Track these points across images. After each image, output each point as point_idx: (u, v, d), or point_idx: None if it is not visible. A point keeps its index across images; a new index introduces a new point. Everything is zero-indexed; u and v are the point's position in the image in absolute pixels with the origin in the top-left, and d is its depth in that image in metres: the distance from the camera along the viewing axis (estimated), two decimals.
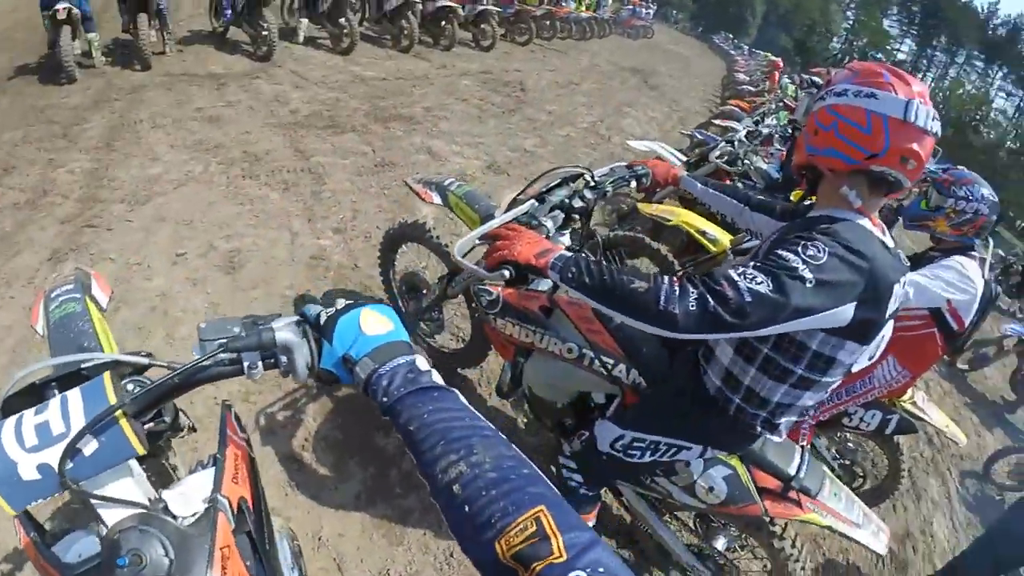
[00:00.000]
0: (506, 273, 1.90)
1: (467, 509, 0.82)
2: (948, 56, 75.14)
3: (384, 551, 2.67)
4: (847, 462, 3.87)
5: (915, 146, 1.65)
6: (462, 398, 1.01)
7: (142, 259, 3.98)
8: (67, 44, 6.75)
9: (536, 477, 0.88)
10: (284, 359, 1.08)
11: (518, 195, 2.62)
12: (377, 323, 1.12)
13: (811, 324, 1.61)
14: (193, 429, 1.23)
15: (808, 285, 1.53)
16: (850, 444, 3.96)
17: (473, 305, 3.09)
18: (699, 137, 7.32)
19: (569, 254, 1.77)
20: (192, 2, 11.43)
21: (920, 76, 74.66)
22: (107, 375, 1.00)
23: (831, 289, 1.57)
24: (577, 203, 2.50)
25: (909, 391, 3.50)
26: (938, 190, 3.15)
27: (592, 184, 2.65)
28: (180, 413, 1.21)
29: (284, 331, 1.08)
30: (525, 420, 3.25)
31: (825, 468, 2.39)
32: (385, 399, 1.00)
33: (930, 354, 3.21)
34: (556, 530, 0.73)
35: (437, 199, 3.08)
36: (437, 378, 1.05)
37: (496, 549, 0.75)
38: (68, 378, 1.13)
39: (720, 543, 2.58)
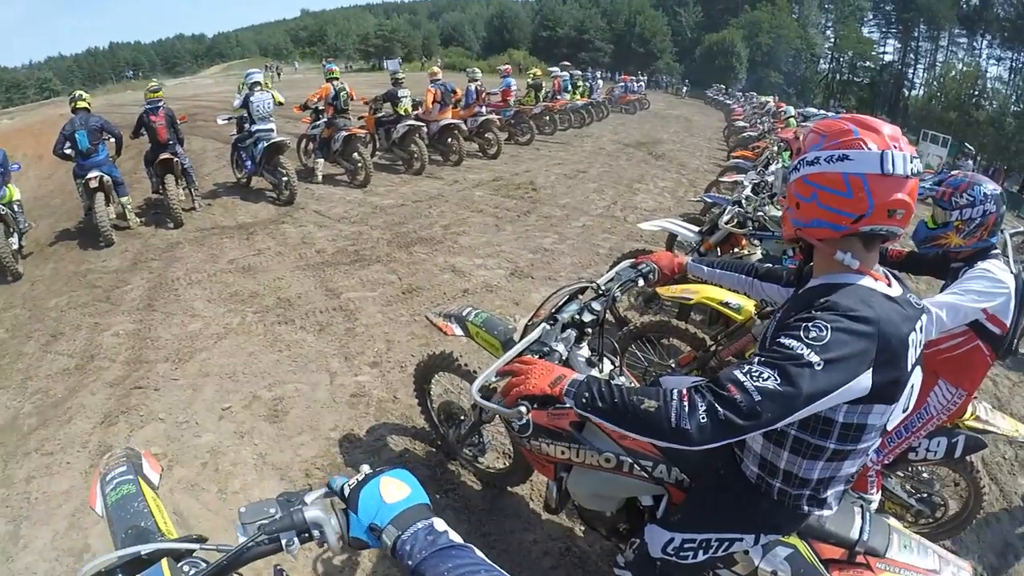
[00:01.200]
0: (523, 409, 1.93)
1: None
2: (932, 43, 74.67)
3: None
4: (924, 495, 3.68)
5: (900, 195, 1.59)
6: (478, 552, 1.12)
7: (190, 417, 4.13)
8: (101, 210, 7.28)
9: None
10: (317, 533, 1.20)
11: (530, 320, 2.64)
12: (396, 490, 1.24)
13: (830, 403, 1.57)
14: None
15: (817, 368, 1.50)
16: (924, 475, 3.76)
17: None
18: (709, 201, 7.31)
19: (582, 378, 1.79)
20: (215, 156, 12.14)
21: (911, 71, 75.40)
22: (165, 562, 1.14)
23: (842, 365, 1.52)
24: (587, 316, 2.52)
25: (969, 407, 3.36)
26: (940, 206, 3.06)
27: (600, 293, 2.67)
28: None
29: (313, 509, 1.21)
30: (583, 528, 3.28)
31: (891, 521, 2.26)
32: (410, 562, 1.11)
33: (980, 367, 3.10)
34: None
35: (458, 331, 3.12)
36: (454, 536, 1.16)
37: None
38: (131, 564, 1.25)
39: None
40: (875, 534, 2.10)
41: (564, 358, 2.35)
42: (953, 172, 3.37)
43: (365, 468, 1.32)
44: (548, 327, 2.44)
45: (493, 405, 2.05)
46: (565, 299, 2.60)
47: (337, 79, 10.46)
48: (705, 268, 2.73)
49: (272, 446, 3.89)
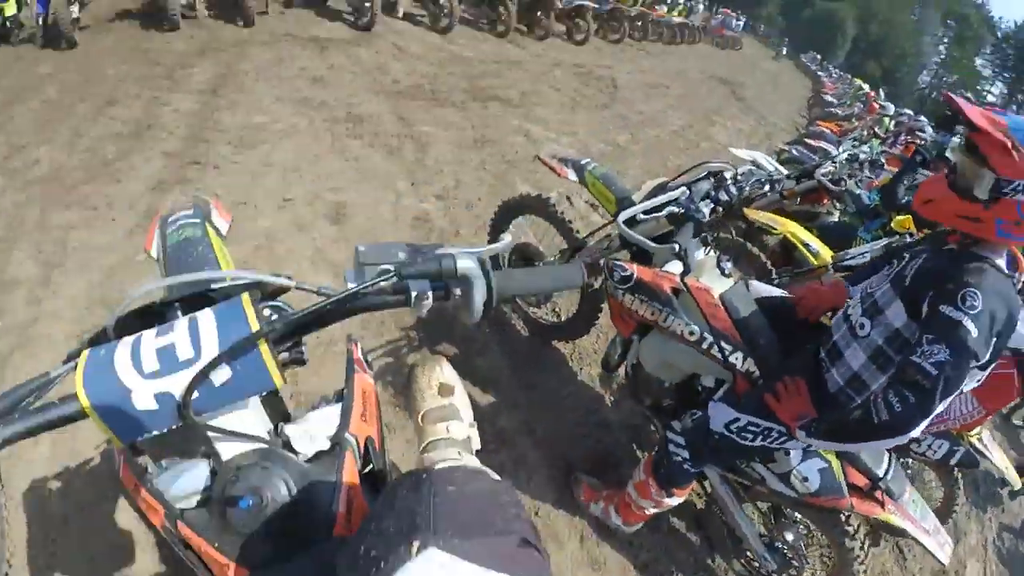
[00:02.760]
0: (676, 247, 2.25)
1: None
2: None
3: None
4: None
5: None
6: None
7: (248, 200, 3.92)
8: None
9: None
10: (458, 292, 0.96)
11: (668, 181, 2.76)
12: None
13: (984, 362, 1.79)
14: (303, 362, 1.07)
15: (975, 336, 1.71)
16: (910, 470, 3.94)
17: (587, 281, 3.06)
18: (795, 154, 7.42)
19: (811, 415, 2.02)
20: None
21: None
22: (246, 297, 0.87)
23: (992, 332, 1.74)
24: (723, 196, 2.66)
25: (978, 428, 3.48)
26: None
27: (734, 180, 2.78)
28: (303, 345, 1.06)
29: (466, 259, 0.95)
30: (612, 397, 3.48)
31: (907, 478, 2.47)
32: None
33: (1005, 395, 3.14)
34: None
35: (573, 176, 3.12)
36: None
37: None
38: (191, 301, 1.01)
39: (789, 535, 2.65)
40: (896, 480, 2.31)
41: (705, 219, 2.53)
42: None
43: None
44: (688, 191, 2.59)
45: (642, 239, 2.34)
46: (704, 174, 2.74)
47: None
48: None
49: (330, 244, 3.70)
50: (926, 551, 2.38)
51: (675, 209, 2.49)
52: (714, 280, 2.50)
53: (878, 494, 2.29)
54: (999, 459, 3.63)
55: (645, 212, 2.36)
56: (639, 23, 16.89)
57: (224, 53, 6.53)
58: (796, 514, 2.63)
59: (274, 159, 4.46)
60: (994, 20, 73.97)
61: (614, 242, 2.90)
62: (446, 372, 1.43)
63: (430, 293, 0.92)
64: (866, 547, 2.43)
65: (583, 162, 3.15)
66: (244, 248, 3.46)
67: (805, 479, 2.26)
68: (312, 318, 0.85)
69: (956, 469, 3.56)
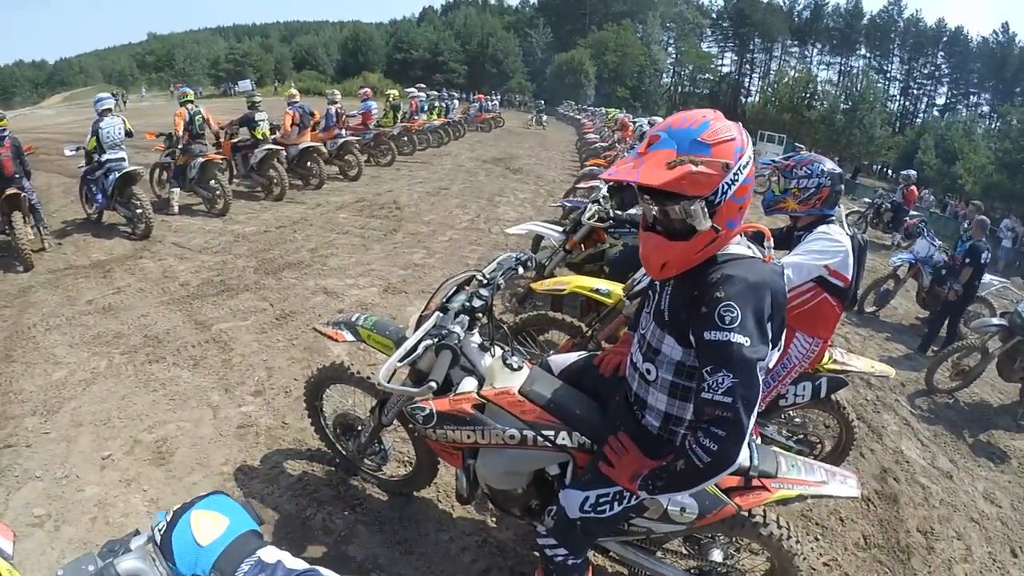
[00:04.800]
0: (433, 384, 2.21)
1: None
2: (766, 54, 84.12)
3: None
4: (801, 436, 4.21)
5: None
6: (324, 571, 1.05)
7: (69, 470, 3.94)
8: None
9: None
10: None
11: (423, 312, 2.88)
12: (211, 526, 1.12)
13: (771, 358, 1.92)
14: None
15: (748, 344, 1.78)
16: (797, 420, 4.30)
17: (410, 426, 3.25)
18: (568, 205, 8.01)
19: (645, 472, 2.10)
20: (62, 192, 11.49)
21: (747, 80, 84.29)
22: None
23: (761, 325, 1.83)
24: (477, 303, 2.74)
25: (827, 354, 3.85)
26: (783, 175, 3.64)
27: (485, 282, 2.91)
28: None
29: (131, 559, 1.08)
30: (494, 518, 3.51)
31: (775, 449, 2.59)
32: None
33: (830, 316, 3.56)
34: None
35: (349, 336, 3.22)
36: (293, 563, 1.08)
37: None
38: None
39: (716, 555, 2.73)
40: (764, 460, 2.41)
41: (460, 339, 2.51)
42: (802, 151, 4.01)
43: (170, 510, 1.19)
44: (441, 315, 2.66)
45: (400, 387, 2.32)
46: (453, 289, 2.84)
47: (192, 102, 10.18)
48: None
49: (163, 489, 3.80)
50: (834, 498, 2.57)
51: (429, 342, 2.53)
52: (508, 379, 2.60)
53: (756, 482, 2.37)
54: (861, 364, 4.01)
55: (401, 359, 2.41)
56: (404, 138, 17.70)
57: (8, 308, 6.43)
58: (706, 532, 2.65)
59: (83, 416, 4.50)
60: (703, 5, 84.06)
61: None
62: None
63: None
64: (784, 522, 2.51)
65: (353, 319, 3.28)
66: (81, 525, 3.48)
67: (683, 509, 2.32)
68: None
69: (831, 396, 3.82)
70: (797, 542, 2.53)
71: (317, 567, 1.07)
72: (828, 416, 4.20)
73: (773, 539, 2.47)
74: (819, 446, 4.21)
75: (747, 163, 1.91)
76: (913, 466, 4.87)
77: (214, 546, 1.09)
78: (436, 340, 2.49)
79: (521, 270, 3.19)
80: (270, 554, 1.08)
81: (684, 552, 2.88)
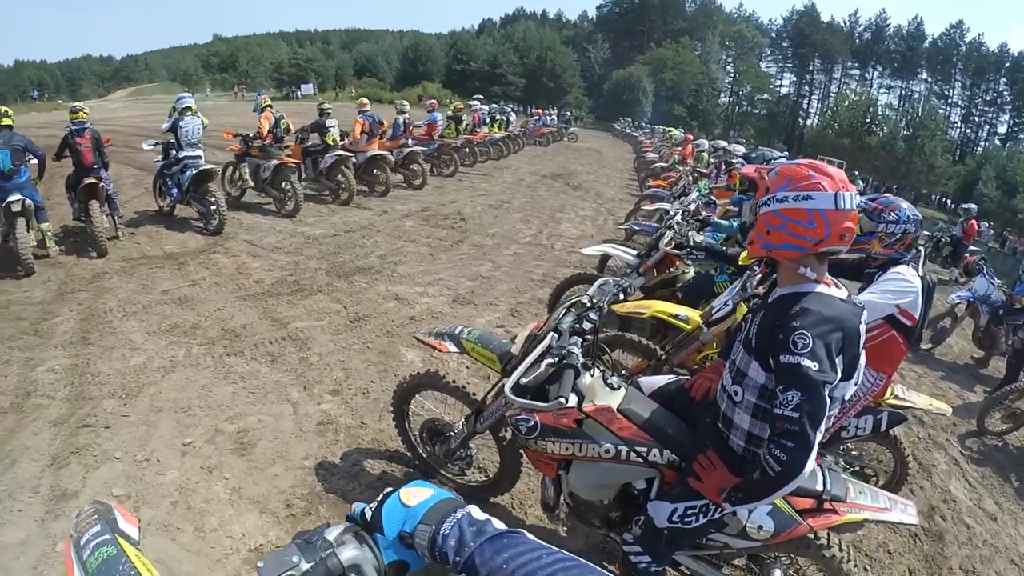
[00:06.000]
0: (563, 400, 2.32)
1: None
2: (826, 75, 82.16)
3: None
4: (856, 468, 4.25)
5: (848, 224, 2.09)
6: (531, 536, 1.01)
7: (149, 454, 3.91)
8: (23, 236, 6.82)
9: None
10: None
11: (535, 331, 2.96)
12: (418, 494, 1.13)
13: (838, 387, 2.07)
14: None
15: (816, 369, 1.97)
16: (854, 452, 4.34)
17: (501, 435, 3.31)
18: (636, 228, 7.94)
19: (731, 484, 2.27)
20: (132, 183, 11.69)
21: (805, 101, 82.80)
22: None
23: (831, 356, 2.00)
24: (587, 325, 2.85)
25: (889, 389, 3.91)
26: (869, 216, 3.60)
27: (591, 305, 2.99)
28: None
29: (347, 549, 1.07)
30: (565, 528, 3.60)
31: (846, 476, 2.71)
32: (458, 558, 0.98)
33: (896, 354, 3.59)
34: None
35: (452, 348, 3.34)
36: (499, 523, 1.06)
37: None
38: None
39: (777, 574, 2.81)
40: (835, 485, 2.55)
41: (580, 362, 2.59)
42: (886, 193, 3.89)
43: (387, 491, 1.20)
44: (556, 336, 2.73)
45: (530, 402, 2.43)
46: (563, 312, 2.91)
47: (272, 107, 10.35)
48: None
49: (245, 479, 3.74)
50: (895, 524, 2.70)
51: (551, 360, 2.60)
52: (607, 397, 2.70)
53: (827, 505, 2.50)
54: (920, 401, 4.08)
55: (524, 374, 2.51)
56: (466, 150, 17.82)
57: (84, 292, 6.54)
58: (772, 552, 2.77)
59: (163, 402, 4.48)
60: (762, 24, 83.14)
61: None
62: None
63: None
64: (845, 546, 2.58)
65: (456, 331, 3.39)
66: (161, 508, 3.44)
67: (760, 527, 2.45)
68: None
69: (890, 431, 3.85)
70: (855, 566, 2.59)
71: (521, 529, 1.04)
72: (884, 450, 4.21)
73: (835, 561, 2.55)
74: (873, 479, 4.22)
75: (781, 202, 2.15)
76: (960, 506, 4.79)
77: (422, 505, 1.11)
78: (558, 359, 2.58)
79: (622, 296, 3.32)
80: (478, 512, 1.09)
81: (747, 569, 2.99)
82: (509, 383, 2.39)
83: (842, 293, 2.20)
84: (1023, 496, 5.26)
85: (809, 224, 2.08)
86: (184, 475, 3.75)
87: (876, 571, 3.84)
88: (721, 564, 2.88)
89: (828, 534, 2.55)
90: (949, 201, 53.63)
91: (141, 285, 6.80)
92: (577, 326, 2.81)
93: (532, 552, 0.96)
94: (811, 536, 2.51)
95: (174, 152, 9.01)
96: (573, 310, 2.93)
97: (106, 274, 7.09)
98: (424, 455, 3.77)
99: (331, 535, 1.12)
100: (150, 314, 6.05)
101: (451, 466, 3.64)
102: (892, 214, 3.57)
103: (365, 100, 13.31)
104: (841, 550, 2.55)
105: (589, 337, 2.86)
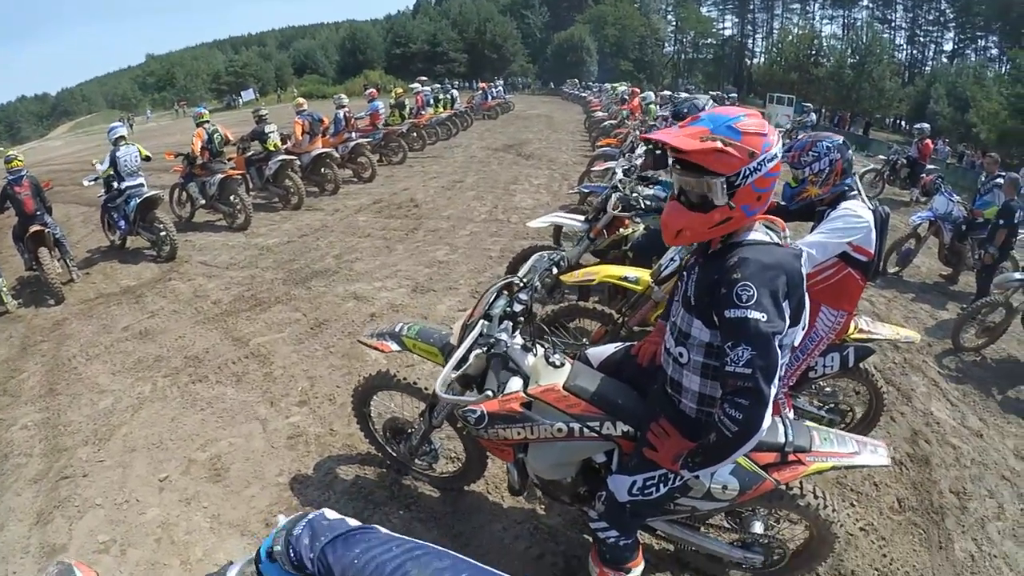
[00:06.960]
0: (490, 393, 2.35)
1: None
2: (767, 13, 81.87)
3: None
4: (832, 405, 4.29)
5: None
6: (383, 530, 1.08)
7: (128, 495, 4.01)
8: None
9: (477, 570, 1.00)
10: None
11: (466, 321, 2.92)
12: (291, 515, 1.19)
13: (788, 335, 2.03)
14: None
15: (765, 320, 1.91)
16: (827, 390, 4.36)
17: (459, 425, 3.31)
18: (587, 191, 8.05)
19: (684, 452, 2.23)
20: (81, 221, 11.61)
21: (750, 41, 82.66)
22: None
23: (778, 303, 1.95)
24: (517, 307, 2.84)
25: (852, 324, 3.93)
26: (793, 167, 3.63)
27: (522, 286, 2.98)
28: None
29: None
30: (543, 506, 3.61)
31: (808, 423, 2.70)
32: (312, 554, 1.04)
33: (854, 290, 3.64)
34: None
35: (395, 346, 3.31)
36: (353, 521, 1.12)
37: None
38: None
39: (757, 527, 2.87)
40: (798, 436, 2.53)
41: (508, 346, 2.66)
42: (799, 136, 3.95)
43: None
44: (486, 323, 2.72)
45: (456, 397, 2.46)
46: (494, 296, 2.87)
47: (208, 122, 10.31)
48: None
49: (223, 505, 3.86)
50: (866, 467, 2.74)
51: (479, 350, 2.64)
52: (551, 375, 2.68)
53: (791, 457, 2.48)
54: (887, 331, 4.11)
55: (455, 369, 2.47)
56: (413, 135, 17.60)
57: (46, 343, 6.54)
58: (747, 507, 2.78)
59: (135, 441, 4.57)
60: None
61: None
62: None
63: None
64: (821, 492, 2.62)
65: (397, 329, 3.35)
66: (147, 548, 3.55)
67: (725, 487, 2.45)
68: None
69: (859, 365, 3.91)
70: (833, 510, 2.64)
71: (374, 525, 1.11)
72: (858, 384, 4.24)
73: (810, 509, 2.60)
74: (850, 414, 4.28)
75: (772, 159, 2.04)
76: (943, 427, 4.87)
77: (286, 521, 1.17)
78: (486, 349, 2.62)
79: (555, 270, 3.29)
80: (331, 513, 1.15)
81: (727, 526, 3.02)
82: (439, 381, 2.37)
83: (777, 238, 2.17)
84: (1007, 409, 5.34)
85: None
86: (164, 511, 3.84)
87: (863, 505, 3.91)
88: (698, 525, 2.98)
89: (800, 483, 2.58)
90: (904, 123, 54.40)
91: (101, 325, 6.82)
92: (508, 310, 2.81)
93: (383, 544, 1.04)
94: (783, 488, 2.53)
95: (116, 184, 8.94)
96: (503, 293, 2.92)
97: (66, 320, 7.09)
98: (393, 454, 3.84)
99: (232, 572, 1.20)
100: (113, 353, 6.10)
101: (419, 462, 3.72)
102: (809, 154, 3.54)
103: (302, 100, 13.25)
104: (816, 497, 2.59)
105: (522, 320, 2.86)
